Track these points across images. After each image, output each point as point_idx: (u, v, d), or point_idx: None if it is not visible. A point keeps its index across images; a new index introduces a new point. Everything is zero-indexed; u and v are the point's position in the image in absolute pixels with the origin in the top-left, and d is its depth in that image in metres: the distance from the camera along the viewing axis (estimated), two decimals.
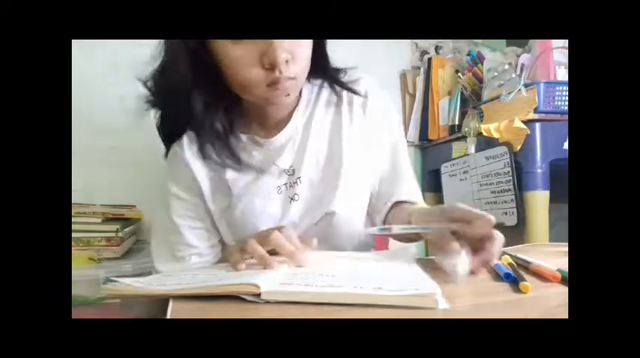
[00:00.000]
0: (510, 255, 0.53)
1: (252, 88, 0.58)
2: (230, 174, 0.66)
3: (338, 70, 0.69)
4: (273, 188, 0.68)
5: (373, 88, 0.71)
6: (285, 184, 0.68)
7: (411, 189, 0.74)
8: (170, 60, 0.59)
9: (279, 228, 0.53)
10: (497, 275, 0.47)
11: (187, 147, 0.65)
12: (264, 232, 0.53)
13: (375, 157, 0.72)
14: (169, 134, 0.68)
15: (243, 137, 0.67)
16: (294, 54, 0.56)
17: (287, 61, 0.55)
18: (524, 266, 0.50)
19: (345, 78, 0.69)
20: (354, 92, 0.69)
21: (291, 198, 0.68)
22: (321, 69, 0.66)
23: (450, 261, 0.46)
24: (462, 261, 0.45)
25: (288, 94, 0.59)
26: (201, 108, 0.62)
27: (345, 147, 0.69)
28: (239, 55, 0.55)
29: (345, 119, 0.70)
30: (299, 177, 0.68)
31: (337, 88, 0.69)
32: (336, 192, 0.67)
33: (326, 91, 0.70)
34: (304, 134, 0.69)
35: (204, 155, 0.64)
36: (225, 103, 0.64)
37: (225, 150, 0.65)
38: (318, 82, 0.69)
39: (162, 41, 0.59)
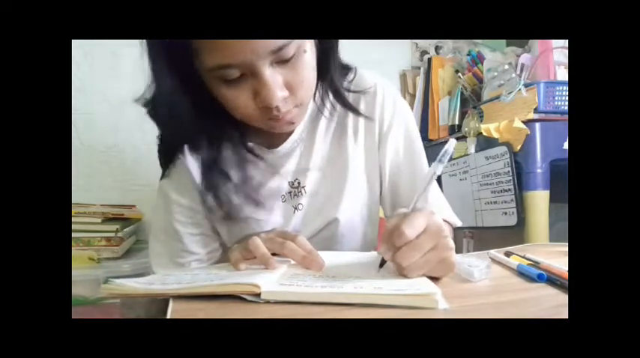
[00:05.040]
0: (519, 256, 0.53)
1: (252, 122, 0.56)
2: (234, 183, 0.64)
3: (347, 69, 0.66)
4: (277, 197, 0.67)
5: (386, 101, 0.68)
6: (289, 193, 0.67)
7: (434, 197, 0.70)
8: (165, 93, 0.54)
9: (294, 237, 0.51)
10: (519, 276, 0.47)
11: (189, 153, 0.63)
12: (271, 233, 0.53)
13: (388, 165, 0.69)
14: (169, 154, 0.65)
15: (248, 146, 0.66)
16: (293, 85, 0.52)
17: (285, 98, 0.52)
18: (534, 266, 0.50)
19: (355, 80, 0.67)
20: (360, 114, 0.66)
21: (295, 208, 0.67)
22: (325, 77, 0.62)
23: (466, 266, 0.46)
24: (478, 267, 0.46)
25: (292, 123, 0.57)
26: (203, 129, 0.59)
27: (351, 158, 0.67)
28: (233, 95, 0.52)
29: (350, 127, 0.68)
30: (303, 186, 0.67)
31: (341, 103, 0.65)
32: (340, 201, 0.66)
33: (329, 105, 0.66)
34: (308, 143, 0.67)
35: (209, 169, 0.62)
36: (227, 120, 0.59)
37: (231, 163, 0.63)
38: (323, 87, 0.64)
39: (152, 73, 0.53)
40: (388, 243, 0.45)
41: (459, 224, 0.74)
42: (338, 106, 0.66)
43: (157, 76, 0.53)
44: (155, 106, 0.57)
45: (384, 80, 0.71)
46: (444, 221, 0.69)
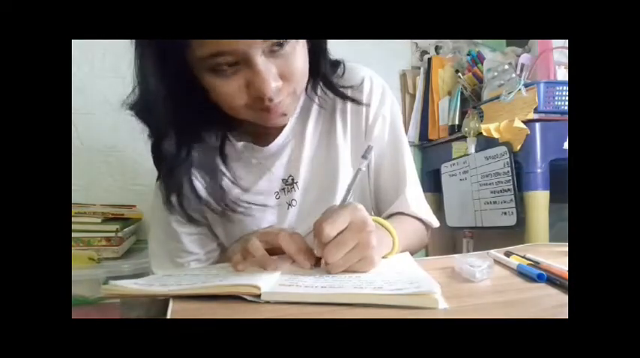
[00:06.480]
0: (519, 256, 0.53)
1: (244, 114, 0.56)
2: (226, 182, 0.65)
3: (336, 66, 0.66)
4: (271, 194, 0.67)
5: (373, 93, 0.69)
6: (282, 190, 0.68)
7: (414, 201, 0.69)
8: (150, 92, 0.53)
9: (291, 234, 0.50)
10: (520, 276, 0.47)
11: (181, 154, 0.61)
12: (269, 230, 0.53)
13: (373, 163, 0.70)
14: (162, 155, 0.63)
15: (239, 145, 0.66)
16: (287, 75, 0.52)
17: (278, 89, 0.52)
18: (534, 266, 0.50)
19: (344, 75, 0.67)
20: (353, 100, 0.66)
21: (289, 204, 0.68)
22: (317, 72, 0.62)
23: (468, 267, 0.46)
24: (480, 267, 0.46)
25: (285, 114, 0.57)
26: (191, 127, 0.59)
27: (341, 151, 0.68)
28: (224, 86, 0.52)
29: (338, 121, 0.68)
30: (296, 183, 0.68)
31: (332, 91, 0.65)
32: (334, 195, 0.67)
33: (320, 92, 0.66)
34: (299, 139, 0.68)
35: (200, 169, 0.62)
36: (218, 118, 0.60)
37: (222, 162, 0.64)
38: (314, 81, 0.65)
39: (137, 67, 0.53)
40: (316, 239, 0.45)
41: (436, 225, 0.74)
42: (329, 94, 0.66)
43: (145, 73, 0.53)
44: (142, 107, 0.56)
45: (372, 72, 0.71)
46: (420, 220, 0.70)
